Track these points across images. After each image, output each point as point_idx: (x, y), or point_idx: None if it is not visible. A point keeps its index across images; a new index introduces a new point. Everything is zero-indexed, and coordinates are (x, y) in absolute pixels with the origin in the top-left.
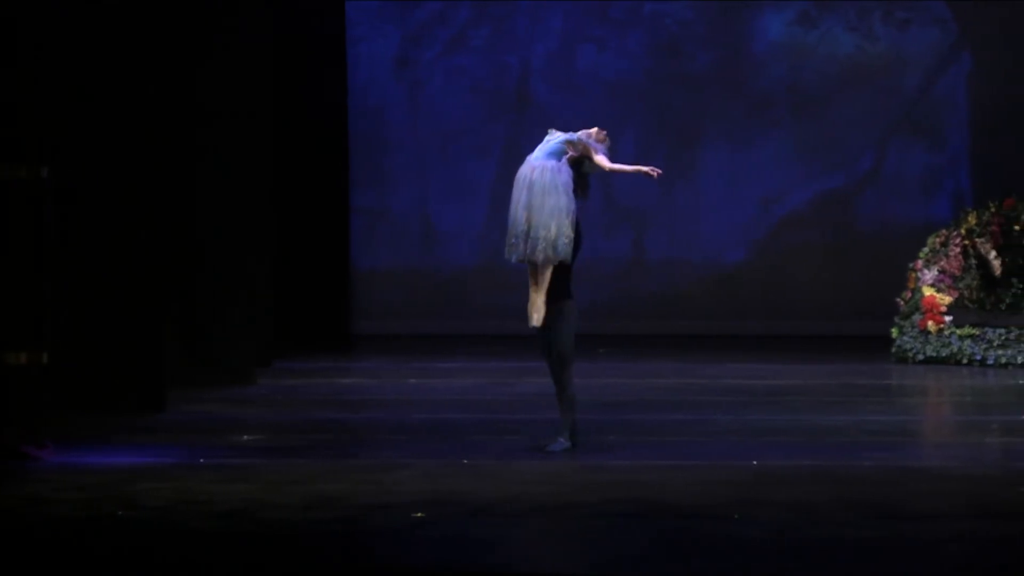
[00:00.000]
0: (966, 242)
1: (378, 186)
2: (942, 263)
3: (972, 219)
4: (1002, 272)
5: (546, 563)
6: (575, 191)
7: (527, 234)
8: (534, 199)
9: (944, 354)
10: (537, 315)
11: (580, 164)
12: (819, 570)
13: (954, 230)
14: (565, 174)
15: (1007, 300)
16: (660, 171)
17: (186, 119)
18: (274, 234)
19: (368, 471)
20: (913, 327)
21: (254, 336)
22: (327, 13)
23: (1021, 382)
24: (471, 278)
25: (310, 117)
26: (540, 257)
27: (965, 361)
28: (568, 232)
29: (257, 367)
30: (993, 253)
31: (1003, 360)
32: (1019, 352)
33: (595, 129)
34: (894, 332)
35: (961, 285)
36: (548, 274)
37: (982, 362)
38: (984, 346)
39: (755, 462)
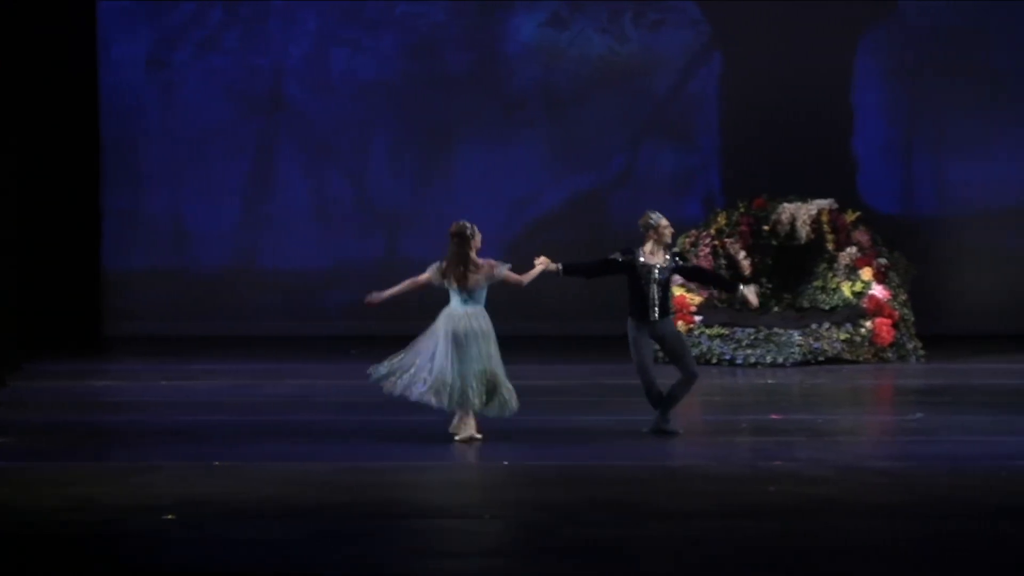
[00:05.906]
0: (716, 242)
1: (131, 187)
2: (692, 263)
3: (722, 219)
4: (751, 272)
5: (297, 564)
6: None
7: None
8: None
9: (694, 354)
10: None
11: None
12: (564, 571)
13: (704, 230)
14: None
15: None
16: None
17: None
18: (20, 237)
19: (121, 473)
20: None
21: (1, 338)
22: (78, 14)
23: (770, 382)
24: (224, 279)
25: (60, 118)
26: None
27: (715, 361)
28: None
29: (5, 370)
30: (743, 253)
31: (752, 360)
32: (767, 352)
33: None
34: None
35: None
36: None
37: (731, 362)
38: (733, 346)
39: (506, 463)
